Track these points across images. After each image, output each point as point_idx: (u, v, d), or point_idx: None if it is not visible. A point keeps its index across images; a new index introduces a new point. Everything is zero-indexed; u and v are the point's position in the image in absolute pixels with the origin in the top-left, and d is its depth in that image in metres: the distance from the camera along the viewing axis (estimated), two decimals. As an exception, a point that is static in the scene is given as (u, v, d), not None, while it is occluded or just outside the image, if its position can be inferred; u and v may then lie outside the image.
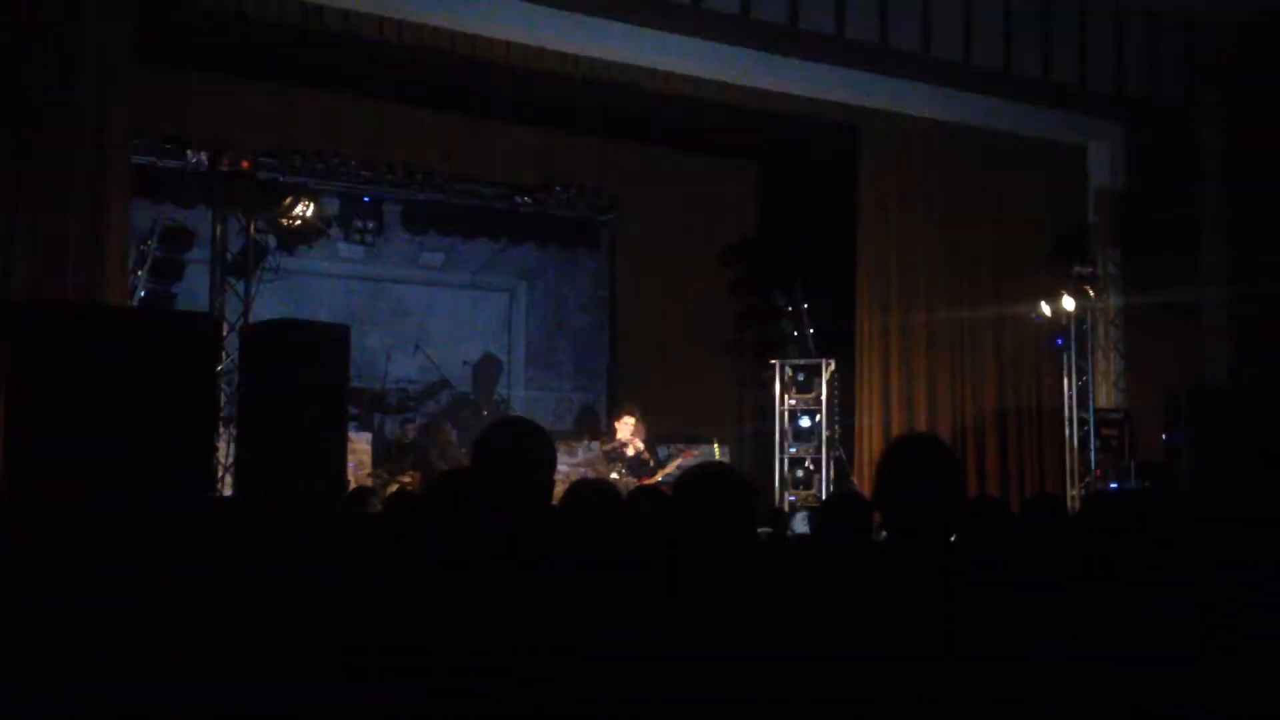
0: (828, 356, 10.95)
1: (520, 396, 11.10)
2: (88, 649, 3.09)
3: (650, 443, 9.99)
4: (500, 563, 2.64)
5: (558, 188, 11.04)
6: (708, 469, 3.10)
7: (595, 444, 9.97)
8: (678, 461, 9.99)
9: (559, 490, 3.38)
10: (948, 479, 2.72)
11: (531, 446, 2.85)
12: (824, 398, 10.86)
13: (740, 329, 12.15)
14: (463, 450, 9.59)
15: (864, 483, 10.26)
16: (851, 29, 9.23)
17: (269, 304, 9.39)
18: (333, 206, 10.23)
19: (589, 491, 3.48)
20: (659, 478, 9.70)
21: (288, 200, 9.75)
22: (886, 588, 2.63)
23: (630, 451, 9.82)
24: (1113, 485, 10.11)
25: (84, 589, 3.46)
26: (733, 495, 2.75)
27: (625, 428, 9.88)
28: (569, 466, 10.11)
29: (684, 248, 11.75)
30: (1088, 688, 2.55)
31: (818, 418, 10.87)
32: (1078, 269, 10.85)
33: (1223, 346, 10.14)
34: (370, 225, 10.52)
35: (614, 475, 9.55)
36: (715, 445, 10.92)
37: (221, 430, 7.29)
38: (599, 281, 11.78)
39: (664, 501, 3.31)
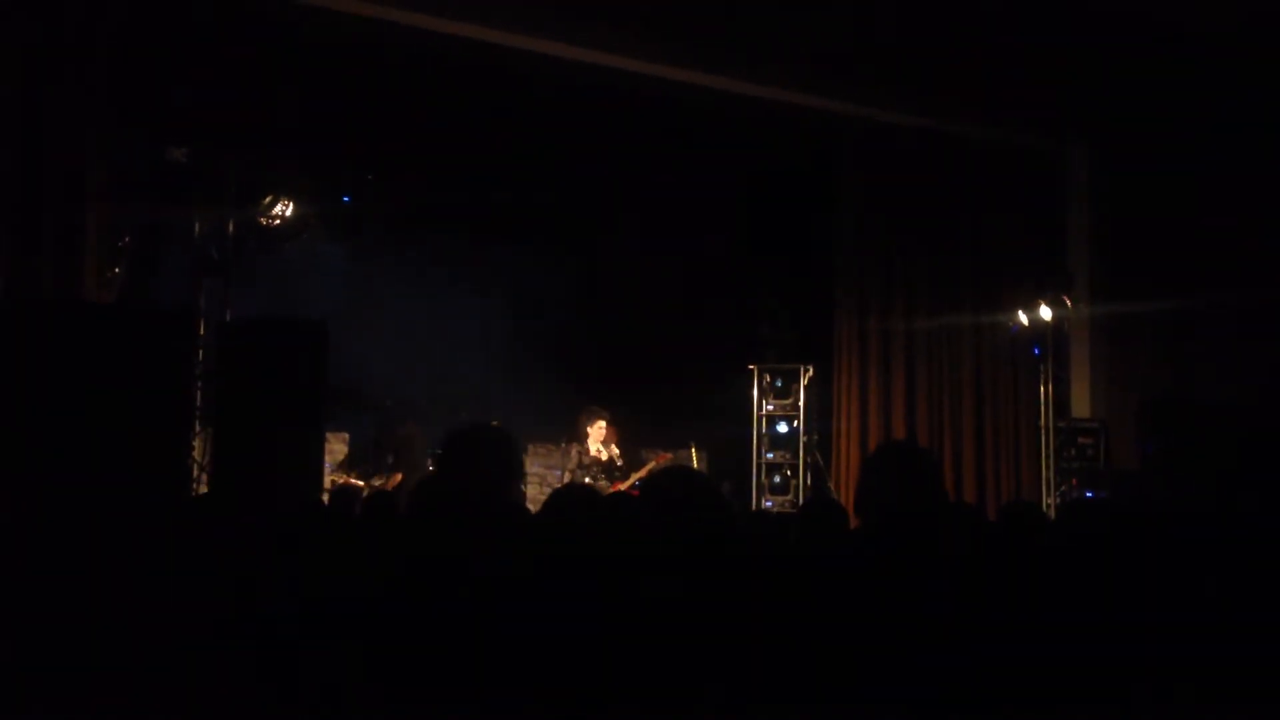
0: (806, 362, 10.97)
1: (499, 398, 11.07)
2: (62, 647, 3.07)
3: (625, 447, 9.98)
4: (469, 571, 2.64)
5: (540, 189, 11.02)
6: (673, 474, 3.08)
7: (573, 448, 9.95)
8: (650, 466, 9.97)
9: (542, 496, 3.38)
10: (929, 485, 2.73)
11: (491, 451, 2.85)
12: (802, 403, 10.88)
13: (719, 333, 12.15)
14: (434, 455, 9.57)
15: (841, 489, 10.28)
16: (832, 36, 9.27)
17: (248, 302, 9.35)
18: (312, 206, 10.17)
19: (572, 498, 3.47)
20: (632, 481, 9.69)
21: (267, 199, 9.71)
22: (862, 593, 2.64)
23: (604, 456, 9.80)
24: (1088, 494, 10.16)
25: (60, 587, 3.43)
26: (698, 500, 2.73)
27: (598, 432, 9.85)
28: (544, 469, 10.09)
29: (663, 251, 11.75)
30: (1065, 691, 2.56)
31: (795, 423, 10.89)
32: (1055, 277, 10.87)
33: (1200, 356, 10.19)
34: (350, 224, 10.49)
35: (588, 480, 9.54)
36: (693, 450, 10.92)
37: (198, 428, 7.24)
38: (579, 284, 11.77)
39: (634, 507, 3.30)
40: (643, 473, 9.81)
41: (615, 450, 9.85)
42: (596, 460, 9.79)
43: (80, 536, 4.06)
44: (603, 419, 9.86)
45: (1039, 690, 2.62)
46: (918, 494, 2.72)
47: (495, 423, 8.70)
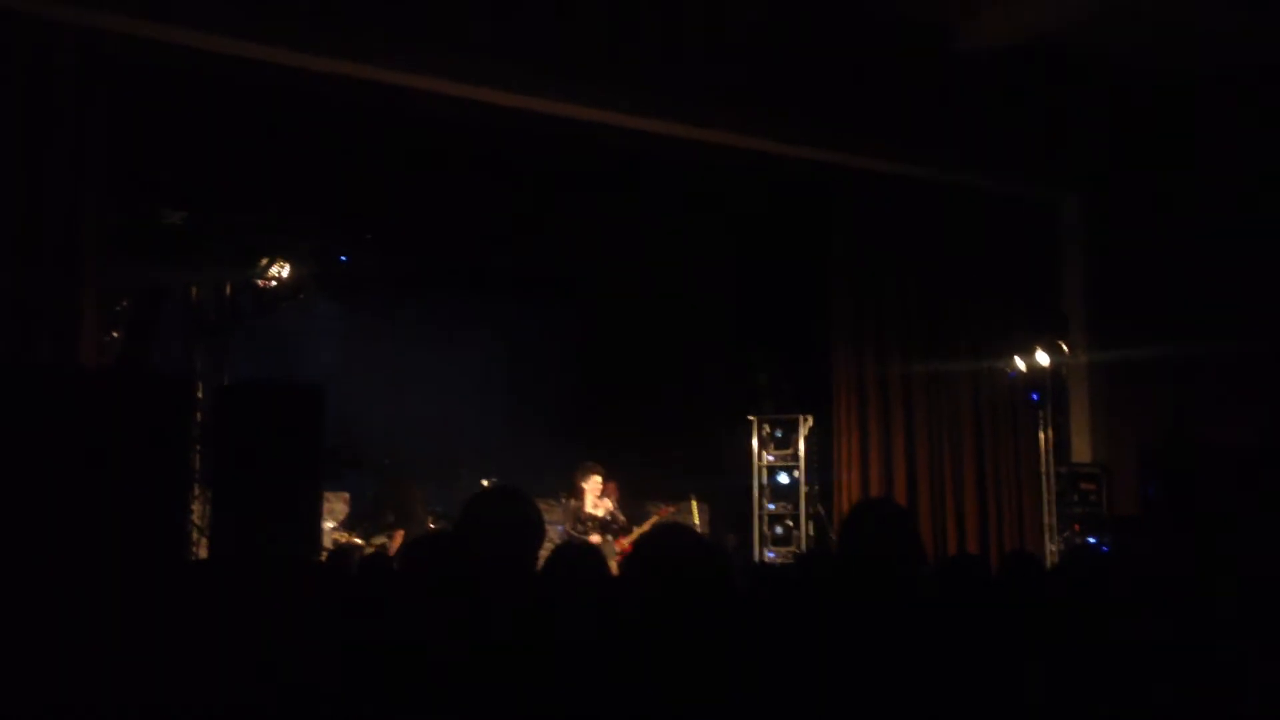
0: (805, 412, 10.94)
1: (498, 454, 11.06)
2: (61, 710, 3.05)
3: (625, 501, 9.92)
4: (478, 628, 2.63)
5: (535, 246, 11.06)
6: (664, 533, 3.02)
7: (571, 504, 9.90)
8: (653, 520, 9.90)
9: (544, 552, 3.36)
10: (903, 542, 2.74)
11: (518, 514, 2.85)
12: (802, 453, 10.85)
13: (717, 384, 12.15)
14: (433, 512, 9.54)
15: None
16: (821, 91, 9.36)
17: (247, 364, 9.37)
18: (309, 266, 10.22)
19: (572, 556, 3.45)
20: (635, 536, 9.63)
21: (264, 261, 9.75)
22: (849, 647, 2.63)
23: (601, 512, 9.73)
24: (1090, 540, 10.12)
25: (59, 652, 3.42)
26: (687, 563, 2.69)
27: (594, 487, 9.79)
28: (546, 524, 10.02)
29: (659, 304, 11.77)
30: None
31: (796, 473, 10.85)
32: (1051, 323, 10.89)
33: (1198, 399, 10.19)
34: (347, 284, 10.53)
35: (588, 538, 9.48)
36: (694, 503, 10.87)
37: (197, 492, 7.23)
38: (577, 338, 11.79)
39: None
40: (645, 527, 9.76)
41: (611, 505, 9.80)
42: (593, 516, 9.73)
43: (81, 601, 4.05)
44: (598, 474, 9.81)
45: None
46: (890, 550, 2.73)
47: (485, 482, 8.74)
